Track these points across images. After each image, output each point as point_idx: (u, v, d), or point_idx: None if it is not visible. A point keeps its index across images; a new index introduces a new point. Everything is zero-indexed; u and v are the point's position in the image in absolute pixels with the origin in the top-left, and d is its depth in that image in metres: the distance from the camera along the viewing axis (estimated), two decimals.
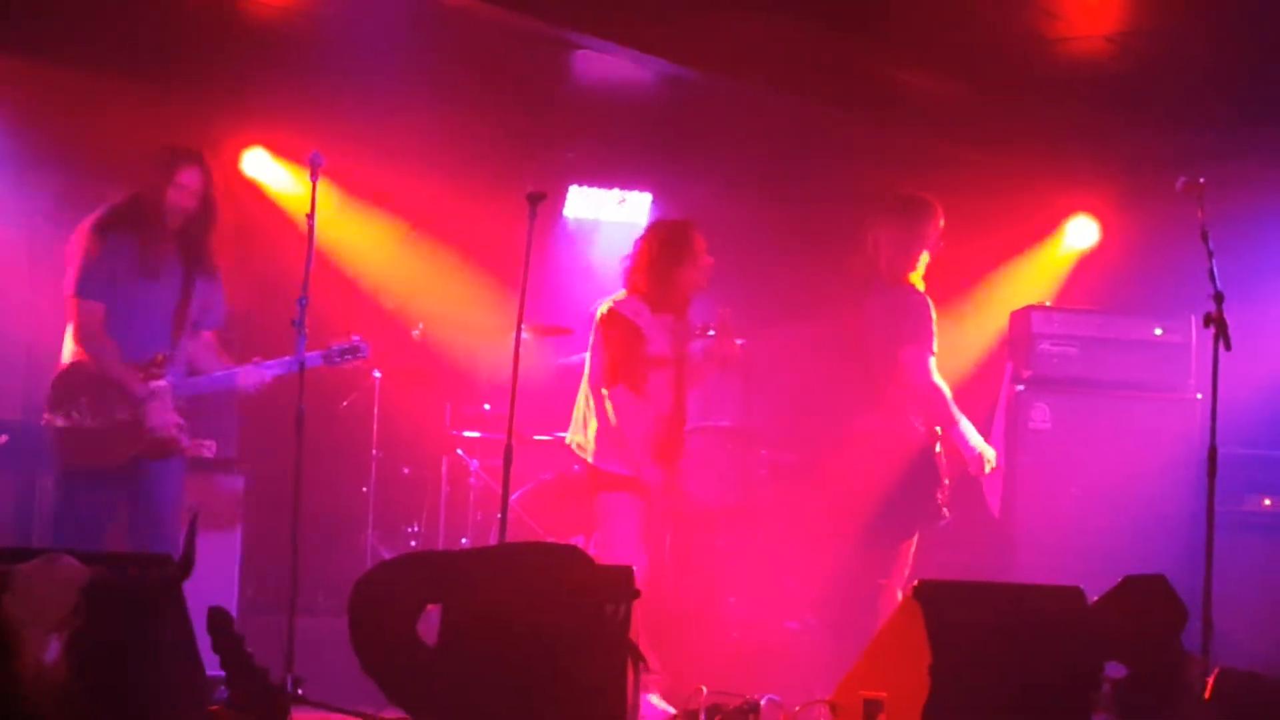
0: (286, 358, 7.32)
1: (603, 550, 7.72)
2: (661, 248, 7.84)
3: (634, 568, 5.89)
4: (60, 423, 7.07)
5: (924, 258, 8.06)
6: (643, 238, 7.97)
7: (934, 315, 8.00)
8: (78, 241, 7.18)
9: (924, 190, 8.10)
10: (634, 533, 7.69)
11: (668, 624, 8.00)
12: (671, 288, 7.84)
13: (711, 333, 8.06)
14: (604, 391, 7.72)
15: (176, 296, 7.33)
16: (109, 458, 7.09)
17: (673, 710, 7.02)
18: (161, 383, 7.17)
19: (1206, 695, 5.88)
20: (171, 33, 8.89)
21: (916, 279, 8.08)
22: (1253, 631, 7.71)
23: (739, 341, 8.09)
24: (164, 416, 7.14)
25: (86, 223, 7.22)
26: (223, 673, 5.71)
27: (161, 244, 7.27)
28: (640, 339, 7.76)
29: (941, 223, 8.07)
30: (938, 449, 8.03)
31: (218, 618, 5.64)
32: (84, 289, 7.10)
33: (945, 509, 8.07)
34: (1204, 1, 8.31)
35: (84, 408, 7.09)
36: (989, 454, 7.93)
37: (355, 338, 7.61)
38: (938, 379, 7.97)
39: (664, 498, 7.79)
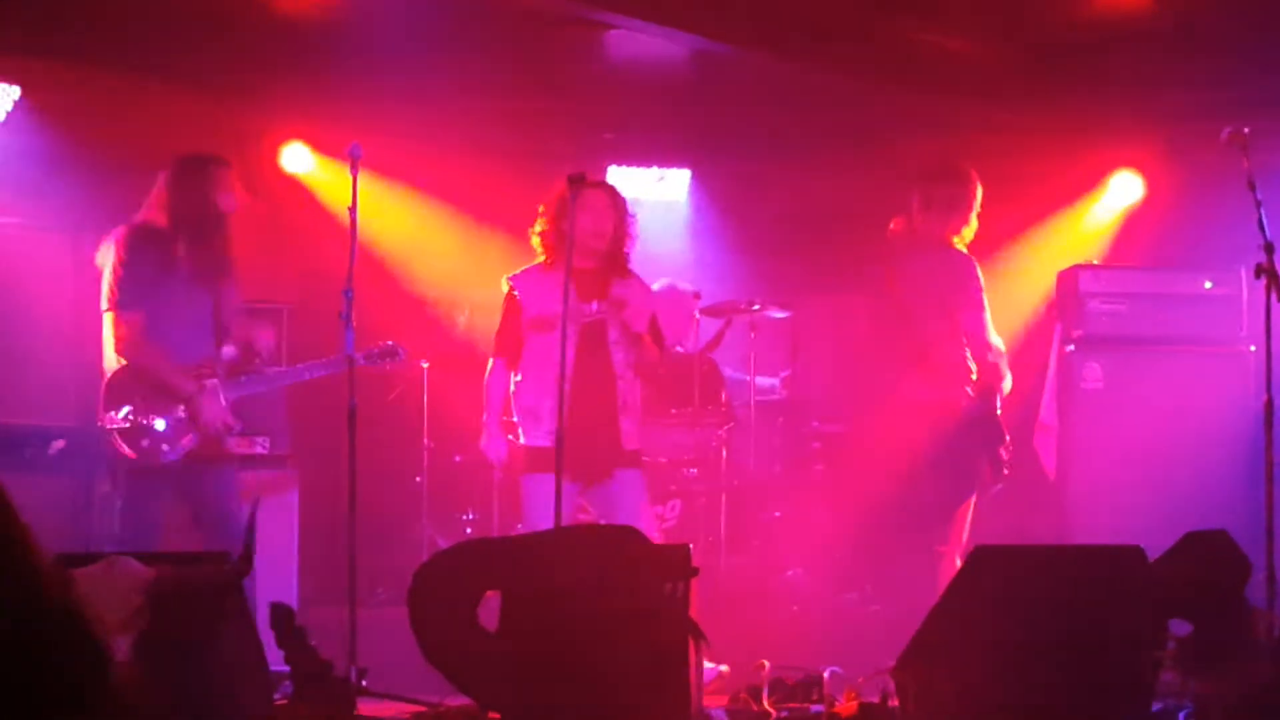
0: (326, 359, 7.40)
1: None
2: (546, 206, 7.72)
3: (690, 546, 5.92)
4: (118, 423, 7.13)
5: (970, 223, 8.09)
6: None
7: (981, 275, 8.04)
8: (113, 252, 7.24)
9: (963, 154, 8.10)
10: (534, 508, 7.55)
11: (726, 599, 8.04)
12: (555, 244, 7.60)
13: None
14: None
15: (211, 301, 7.42)
16: (166, 455, 7.18)
17: (724, 668, 7.03)
18: (213, 380, 7.26)
19: (1271, 647, 5.87)
20: (206, 31, 8.93)
21: (960, 243, 8.10)
22: None
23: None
24: (215, 412, 7.23)
25: (120, 233, 7.28)
26: (287, 667, 5.77)
27: (199, 250, 7.35)
28: (513, 308, 7.67)
29: (980, 191, 8.09)
30: (998, 409, 8.07)
31: (280, 613, 5.70)
32: (123, 300, 7.16)
33: (1006, 468, 8.11)
34: None
35: (139, 407, 7.16)
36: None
37: (390, 342, 7.70)
38: (996, 339, 8.03)
39: (505, 471, 7.83)
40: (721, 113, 10.49)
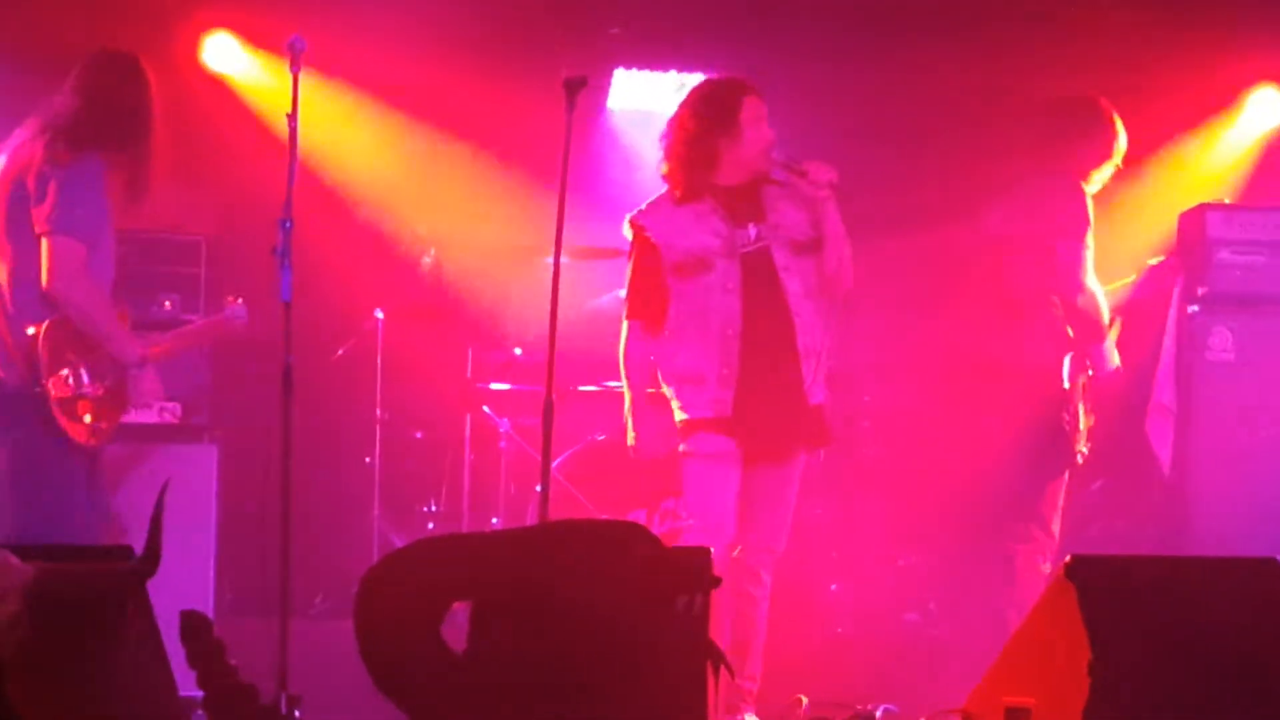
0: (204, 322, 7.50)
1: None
2: (695, 118, 7.64)
3: (711, 548, 5.92)
4: (60, 392, 7.24)
5: (1101, 172, 8.20)
6: (678, 106, 7.80)
7: (1091, 209, 8.10)
8: (57, 162, 7.28)
9: (1067, 60, 8.13)
10: (705, 498, 7.52)
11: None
12: (709, 168, 7.59)
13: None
14: None
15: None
16: (101, 433, 7.39)
17: None
18: (158, 347, 7.39)
19: None
20: None
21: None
22: None
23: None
24: (152, 387, 7.50)
25: (63, 138, 7.34)
26: (200, 692, 5.77)
27: (124, 173, 7.45)
28: (649, 253, 7.65)
29: (1123, 141, 8.19)
30: (1065, 380, 8.14)
31: (193, 623, 5.69)
32: (69, 224, 7.24)
33: (1083, 447, 8.18)
34: None
35: (80, 372, 7.33)
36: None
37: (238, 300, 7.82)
38: (1094, 282, 8.07)
39: (667, 461, 7.67)
40: (754, 10, 10.48)
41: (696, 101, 7.66)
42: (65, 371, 7.25)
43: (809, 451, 7.78)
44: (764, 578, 7.54)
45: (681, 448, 7.54)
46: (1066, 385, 8.34)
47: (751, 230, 7.51)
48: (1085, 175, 8.39)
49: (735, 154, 7.52)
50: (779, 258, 7.51)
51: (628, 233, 7.73)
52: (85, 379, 7.33)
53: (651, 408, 7.60)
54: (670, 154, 7.66)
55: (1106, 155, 8.47)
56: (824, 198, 7.49)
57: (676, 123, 7.66)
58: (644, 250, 7.63)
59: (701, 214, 7.51)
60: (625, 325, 7.71)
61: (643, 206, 7.71)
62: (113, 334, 7.42)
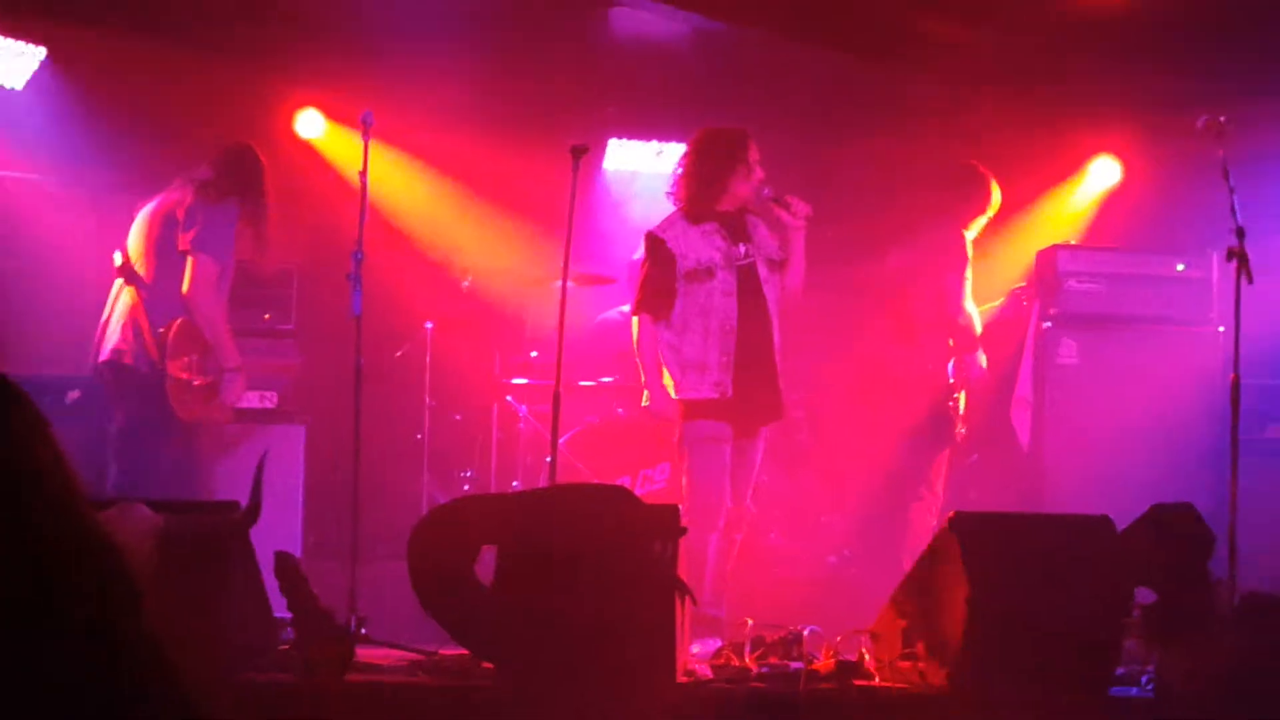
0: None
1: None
2: (703, 155, 7.55)
3: (679, 506, 5.91)
4: (176, 374, 7.32)
5: (978, 222, 8.24)
6: (690, 146, 7.69)
7: (970, 249, 8.15)
8: (205, 199, 7.46)
9: (950, 135, 8.14)
10: (707, 478, 7.36)
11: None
12: (713, 195, 7.48)
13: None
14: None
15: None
16: (197, 414, 7.44)
17: (720, 641, 7.03)
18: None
19: (1231, 617, 5.89)
20: (230, 2, 8.94)
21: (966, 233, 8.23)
22: (1277, 556, 7.69)
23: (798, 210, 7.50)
24: (238, 395, 7.57)
25: (205, 186, 7.50)
26: (290, 614, 5.77)
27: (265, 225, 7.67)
28: (667, 260, 7.46)
29: (996, 198, 8.22)
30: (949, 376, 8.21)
31: (285, 561, 5.69)
32: (210, 246, 7.40)
33: (961, 426, 8.21)
34: None
35: (194, 364, 7.39)
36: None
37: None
38: (971, 306, 8.12)
39: (674, 426, 7.43)
40: (719, 90, 10.46)
41: (708, 143, 7.58)
42: (185, 360, 7.30)
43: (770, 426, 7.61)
44: (739, 529, 7.49)
45: (683, 432, 7.40)
46: (951, 381, 8.37)
47: (743, 248, 7.42)
48: (966, 224, 8.43)
49: (736, 186, 7.45)
50: (761, 272, 7.43)
51: (645, 246, 7.59)
52: (196, 370, 7.38)
53: (661, 379, 7.47)
54: (685, 183, 7.54)
55: (983, 209, 8.51)
56: (798, 227, 7.44)
57: (691, 159, 7.56)
58: (663, 257, 7.46)
59: (708, 233, 7.42)
60: (636, 319, 7.54)
61: (660, 224, 7.57)
62: (224, 340, 7.46)
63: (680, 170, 7.60)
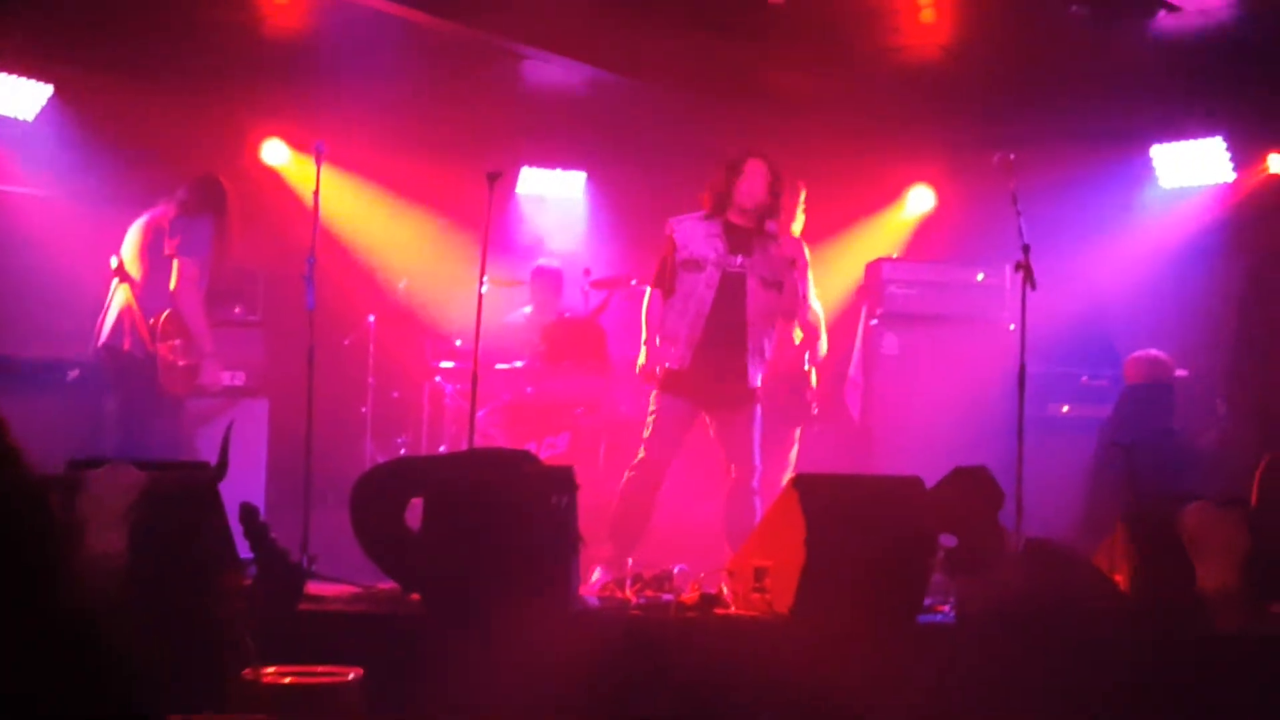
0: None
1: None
2: (718, 168, 7.46)
3: (573, 466, 5.90)
4: (164, 356, 7.37)
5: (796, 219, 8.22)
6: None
7: (808, 254, 8.17)
8: (187, 213, 7.52)
9: (794, 167, 8.15)
10: (657, 434, 7.38)
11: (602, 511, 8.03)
12: (721, 203, 7.37)
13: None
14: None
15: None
16: (180, 389, 7.50)
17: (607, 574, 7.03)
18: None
19: (1017, 558, 5.95)
20: (206, 46, 8.91)
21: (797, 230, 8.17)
22: (1054, 510, 7.80)
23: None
24: (214, 377, 7.57)
25: (185, 203, 7.56)
26: (252, 555, 5.71)
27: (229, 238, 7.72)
28: (669, 247, 7.43)
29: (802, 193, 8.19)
30: (806, 364, 8.21)
31: (247, 511, 5.63)
32: (191, 251, 7.45)
33: (815, 406, 8.24)
34: (1009, 22, 8.38)
35: (179, 349, 7.42)
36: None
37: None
38: (816, 304, 8.17)
39: (649, 378, 7.41)
40: (610, 127, 10.48)
41: (723, 160, 7.48)
42: (171, 344, 7.32)
43: (739, 415, 7.40)
44: (749, 486, 7.40)
45: (653, 395, 7.43)
46: (806, 368, 8.38)
47: (739, 259, 7.33)
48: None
49: (735, 195, 7.34)
50: (750, 284, 7.33)
51: (666, 230, 7.53)
52: (180, 353, 7.39)
53: (653, 346, 7.43)
54: (707, 186, 7.46)
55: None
56: (788, 263, 7.37)
57: (715, 171, 7.46)
58: (669, 244, 7.45)
59: (712, 233, 7.35)
60: (648, 291, 7.53)
61: (678, 217, 7.52)
62: (202, 329, 7.48)
63: (709, 176, 7.52)
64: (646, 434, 7.44)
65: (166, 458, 6.71)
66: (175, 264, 7.39)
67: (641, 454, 7.42)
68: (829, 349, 8.66)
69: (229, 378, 8.11)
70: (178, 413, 7.57)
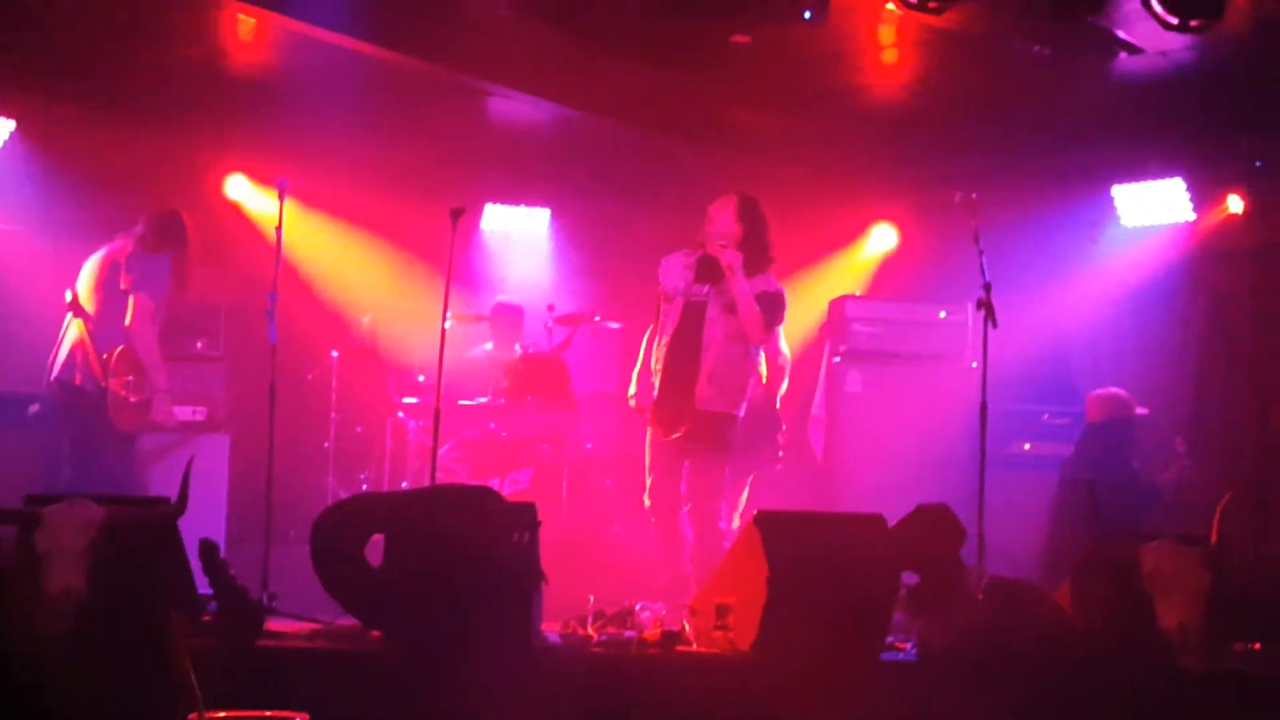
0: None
1: None
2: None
3: (535, 503, 5.88)
4: (116, 391, 7.33)
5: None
6: None
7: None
8: (144, 249, 7.49)
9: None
10: (649, 467, 7.46)
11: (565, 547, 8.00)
12: (700, 238, 7.38)
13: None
14: None
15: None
16: (132, 425, 7.45)
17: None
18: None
19: (979, 596, 5.97)
20: (171, 83, 8.88)
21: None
22: (1016, 547, 7.81)
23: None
24: (167, 414, 7.54)
25: (143, 239, 7.52)
26: (211, 591, 5.68)
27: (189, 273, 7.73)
28: (656, 282, 7.51)
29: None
30: (777, 404, 8.19)
31: (206, 547, 5.61)
32: (147, 287, 7.42)
33: (782, 450, 8.22)
34: (971, 62, 8.44)
35: (131, 384, 7.39)
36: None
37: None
38: (785, 348, 8.18)
39: (641, 412, 7.45)
40: (574, 164, 10.49)
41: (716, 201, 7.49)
42: (124, 379, 7.31)
43: (697, 442, 7.31)
44: (687, 525, 7.36)
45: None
46: (777, 406, 8.36)
47: (705, 289, 7.33)
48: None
49: (706, 239, 7.32)
50: (710, 312, 7.29)
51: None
52: (133, 389, 7.37)
53: (645, 377, 7.43)
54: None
55: None
56: (728, 276, 7.25)
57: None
58: (656, 281, 7.52)
59: (687, 266, 7.37)
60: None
61: (670, 254, 7.56)
62: (156, 366, 7.47)
63: None
64: (647, 463, 7.51)
65: (124, 493, 6.67)
66: (130, 300, 7.37)
67: (648, 483, 7.49)
68: (791, 386, 8.65)
69: (186, 413, 8.10)
70: (130, 448, 7.53)
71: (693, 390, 7.25)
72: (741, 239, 7.34)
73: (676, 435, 7.29)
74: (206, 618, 5.71)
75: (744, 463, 7.86)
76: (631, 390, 7.55)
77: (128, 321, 7.35)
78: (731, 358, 7.32)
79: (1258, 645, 6.29)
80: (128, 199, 8.37)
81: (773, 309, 7.41)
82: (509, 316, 9.81)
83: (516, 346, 9.60)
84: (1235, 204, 9.48)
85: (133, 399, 7.37)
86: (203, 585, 5.62)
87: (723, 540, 7.18)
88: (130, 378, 7.37)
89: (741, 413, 7.38)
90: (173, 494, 5.31)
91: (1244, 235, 9.45)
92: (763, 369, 8.04)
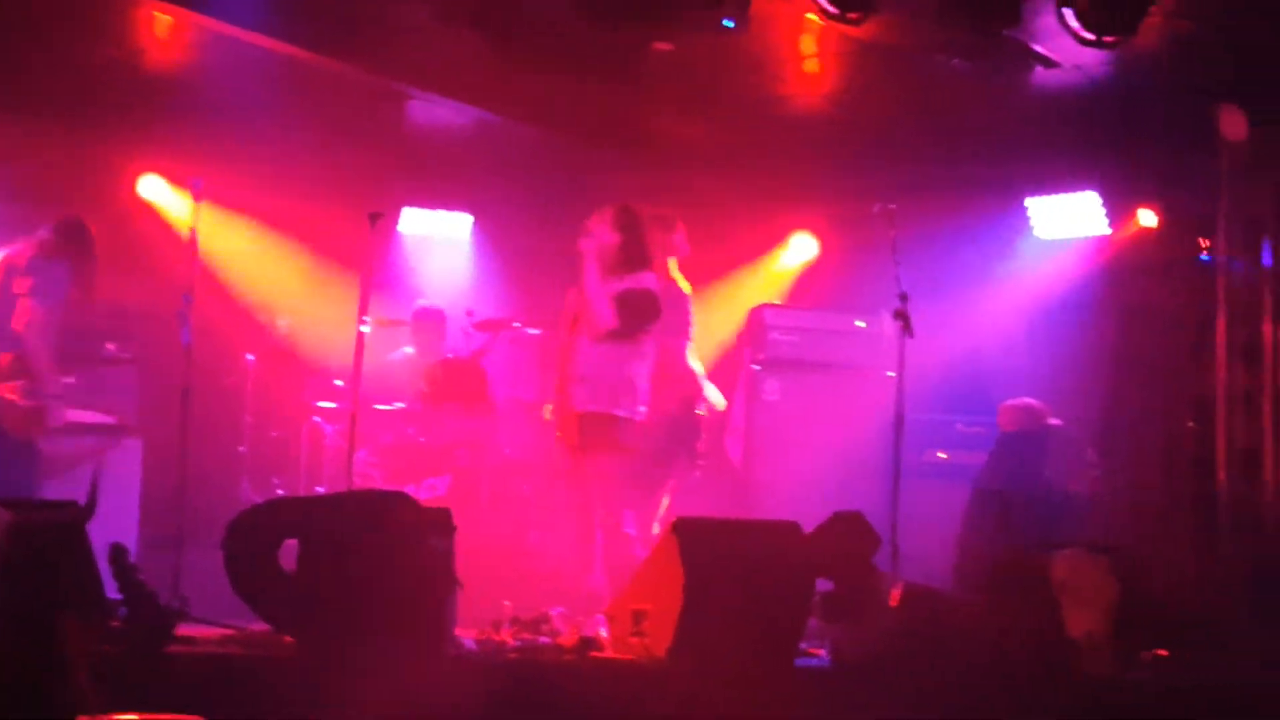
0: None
1: None
2: None
3: (450, 509, 5.86)
4: (5, 396, 7.18)
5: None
6: None
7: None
8: (44, 254, 7.35)
9: (679, 214, 8.21)
10: None
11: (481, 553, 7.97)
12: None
13: None
14: None
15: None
16: (23, 431, 7.28)
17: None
18: (69, 379, 7.41)
19: (893, 603, 6.02)
20: (82, 82, 8.75)
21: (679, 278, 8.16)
22: (930, 555, 7.87)
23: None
24: (58, 418, 7.39)
25: (44, 244, 7.38)
26: (121, 595, 5.61)
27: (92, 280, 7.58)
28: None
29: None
30: (700, 410, 8.17)
31: (116, 551, 5.56)
32: (42, 293, 7.25)
33: (701, 459, 8.21)
34: (891, 73, 8.52)
35: (22, 389, 7.22)
36: (720, 402, 8.35)
37: None
38: (695, 361, 8.14)
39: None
40: (497, 170, 10.47)
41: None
42: (15, 384, 7.16)
43: (586, 445, 7.37)
44: (613, 528, 7.36)
45: None
46: (700, 412, 8.33)
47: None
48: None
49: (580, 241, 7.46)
50: (580, 313, 7.46)
51: None
52: (25, 394, 7.22)
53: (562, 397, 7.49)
54: None
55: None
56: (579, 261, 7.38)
57: None
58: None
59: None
60: None
61: None
62: (46, 371, 7.31)
63: None
64: None
65: (26, 497, 6.59)
66: (26, 305, 7.21)
67: None
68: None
69: (101, 416, 7.99)
70: (27, 454, 7.34)
71: (569, 393, 7.36)
72: (619, 246, 7.40)
73: (567, 439, 7.41)
74: (115, 623, 5.63)
75: (662, 469, 7.87)
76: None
77: (19, 326, 7.20)
78: (602, 357, 7.32)
79: (1164, 653, 6.37)
80: (39, 199, 8.29)
81: (637, 305, 7.36)
82: (431, 321, 9.77)
83: (444, 352, 9.55)
84: (1148, 218, 9.62)
85: (23, 404, 7.22)
86: (112, 590, 5.56)
87: (629, 545, 7.20)
88: (20, 382, 7.22)
89: (627, 414, 7.32)
90: (82, 499, 5.25)
91: (1157, 249, 9.59)
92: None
